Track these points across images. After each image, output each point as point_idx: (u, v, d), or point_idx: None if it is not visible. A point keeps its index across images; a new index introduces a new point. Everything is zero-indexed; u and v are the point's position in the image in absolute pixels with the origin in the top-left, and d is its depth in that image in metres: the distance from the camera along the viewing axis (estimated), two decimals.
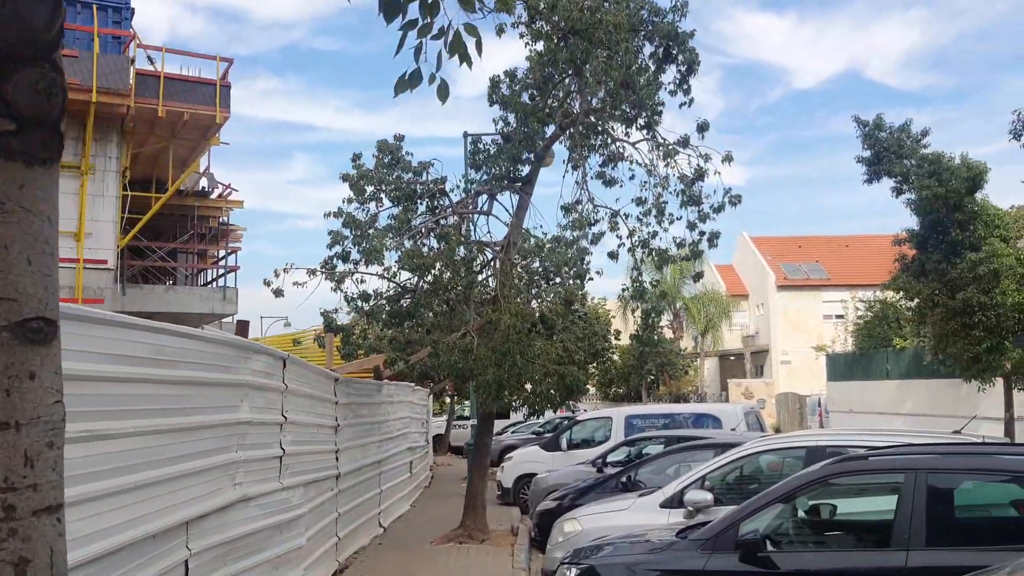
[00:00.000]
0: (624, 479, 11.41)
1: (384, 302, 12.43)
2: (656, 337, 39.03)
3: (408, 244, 12.13)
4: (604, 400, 45.94)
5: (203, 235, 26.63)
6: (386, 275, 12.49)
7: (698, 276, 13.70)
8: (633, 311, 11.73)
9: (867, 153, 19.72)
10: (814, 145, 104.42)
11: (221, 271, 26.01)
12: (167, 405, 5.75)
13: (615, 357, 37.07)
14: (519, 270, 13.58)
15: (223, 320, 26.67)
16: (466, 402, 34.00)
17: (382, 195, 13.08)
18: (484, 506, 12.86)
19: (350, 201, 12.98)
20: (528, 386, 12.69)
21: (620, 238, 12.07)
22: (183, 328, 5.95)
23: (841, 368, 31.86)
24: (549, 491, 14.26)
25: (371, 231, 12.13)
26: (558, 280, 19.47)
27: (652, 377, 41.97)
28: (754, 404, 20.62)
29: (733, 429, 15.32)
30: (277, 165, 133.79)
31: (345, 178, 13.04)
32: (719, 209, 11.40)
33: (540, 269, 16.71)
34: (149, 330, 5.50)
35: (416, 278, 12.58)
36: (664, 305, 12.57)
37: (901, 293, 20.29)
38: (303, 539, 8.90)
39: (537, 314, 13.44)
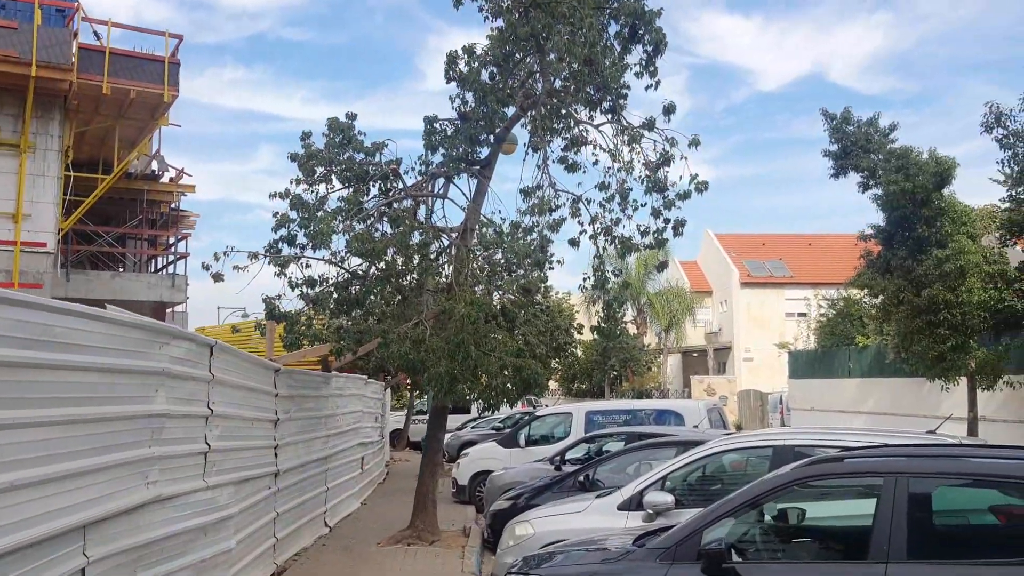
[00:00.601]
0: (582, 478, 10.84)
1: (331, 289, 11.73)
2: (618, 330, 38.54)
3: (358, 228, 11.44)
4: (567, 396, 45.47)
5: (154, 221, 25.70)
6: (334, 260, 11.81)
7: (662, 266, 13.24)
8: (594, 302, 11.08)
9: (834, 147, 19.34)
10: (778, 146, 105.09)
11: (172, 258, 25.09)
12: (61, 394, 5.06)
13: (578, 352, 36.62)
14: (480, 261, 13.00)
15: (176, 310, 25.78)
16: (425, 397, 33.42)
17: (332, 176, 12.38)
18: (435, 505, 12.24)
19: (298, 182, 12.27)
20: (484, 379, 12.06)
21: (582, 225, 11.51)
22: (80, 307, 5.25)
23: (803, 366, 31.65)
24: (504, 489, 13.70)
25: (319, 214, 11.42)
26: (520, 272, 18.97)
27: (615, 373, 41.57)
28: (716, 401, 20.20)
29: (696, 426, 14.85)
30: (243, 155, 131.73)
31: (293, 158, 12.32)
32: (685, 196, 10.86)
33: (502, 260, 16.21)
34: (36, 308, 4.80)
35: (366, 264, 11.91)
36: (627, 296, 11.98)
37: (866, 290, 19.94)
38: (232, 542, 8.23)
39: (498, 306, 12.84)
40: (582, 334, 37.21)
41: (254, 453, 9.28)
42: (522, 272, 18.92)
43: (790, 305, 47.17)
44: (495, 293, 13.73)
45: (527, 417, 18.58)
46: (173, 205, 25.67)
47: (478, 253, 13.18)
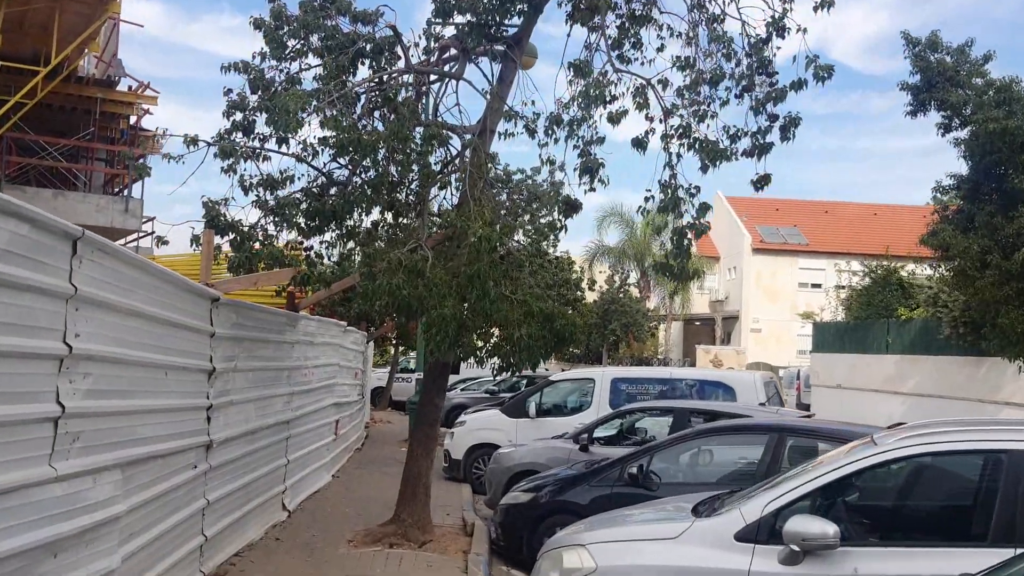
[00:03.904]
0: (634, 469, 7.86)
1: (300, 196, 8.58)
2: (683, 268, 33.02)
3: (339, 116, 8.24)
4: (560, 361, 42.61)
5: (113, 138, 22.33)
6: (304, 157, 8.65)
7: (704, 209, 8.95)
8: (660, 230, 7.92)
9: (916, 78, 16.26)
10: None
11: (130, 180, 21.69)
12: None
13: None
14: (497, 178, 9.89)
15: (138, 244, 22.48)
16: (412, 354, 30.33)
17: (308, 52, 9.20)
18: (428, 494, 9.23)
19: (264, 58, 9.10)
20: (496, 331, 8.94)
21: (651, 120, 8.29)
22: None
23: (830, 338, 28.69)
24: (515, 473, 10.78)
25: (287, 93, 8.23)
26: (527, 217, 16.05)
27: (615, 337, 38.65)
28: (771, 375, 17.24)
29: (763, 404, 11.86)
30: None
31: (258, 25, 9.11)
32: (799, 86, 7.73)
33: (507, 203, 13.22)
34: None
35: (349, 165, 8.78)
36: (707, 225, 8.78)
37: (938, 251, 16.92)
38: (116, 557, 5.21)
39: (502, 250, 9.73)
40: (594, 290, 34.22)
41: (168, 417, 6.23)
42: (528, 218, 15.92)
43: (804, 275, 44.37)
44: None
45: (539, 381, 15.56)
46: (133, 119, 22.30)
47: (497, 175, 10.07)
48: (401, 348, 30.79)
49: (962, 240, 15.80)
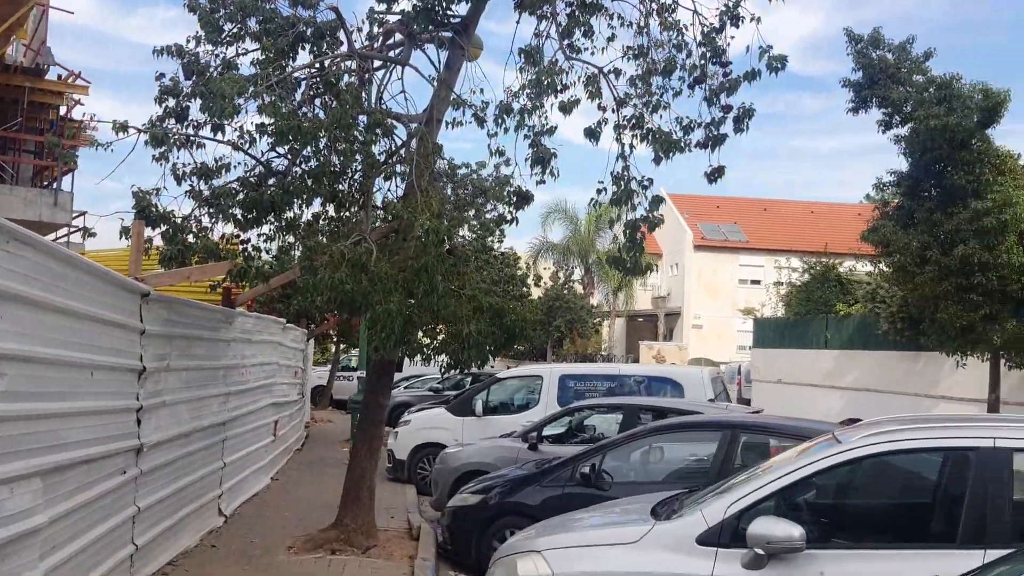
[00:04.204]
0: (586, 469, 7.65)
1: (237, 185, 8.17)
2: (636, 262, 33.87)
3: (278, 103, 7.86)
4: (505, 358, 42.42)
5: (41, 130, 21.38)
6: (241, 145, 8.25)
7: (656, 202, 8.68)
8: (612, 222, 7.70)
9: (858, 75, 16.35)
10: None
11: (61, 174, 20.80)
12: None
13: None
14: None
15: (69, 239, 21.56)
16: (353, 352, 29.78)
17: (246, 36, 8.79)
18: (372, 497, 8.89)
19: (198, 41, 8.66)
20: (443, 328, 8.65)
21: (603, 110, 8.06)
22: None
23: (770, 334, 28.98)
24: (463, 473, 10.51)
25: (223, 77, 7.82)
26: (472, 212, 15.81)
27: (559, 334, 38.59)
28: (719, 370, 17.23)
29: (712, 399, 11.77)
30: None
31: (192, 7, 8.67)
32: (752, 76, 7.59)
33: (452, 197, 12.96)
34: None
35: (289, 154, 8.41)
36: (660, 218, 8.61)
37: (879, 248, 17.08)
38: (37, 571, 4.82)
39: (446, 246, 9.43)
40: (540, 286, 34.07)
41: (95, 421, 5.83)
42: (473, 213, 15.72)
43: (744, 272, 44.83)
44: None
45: (485, 379, 15.29)
46: (63, 110, 21.43)
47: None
48: (343, 346, 30.26)
49: (902, 236, 15.95)
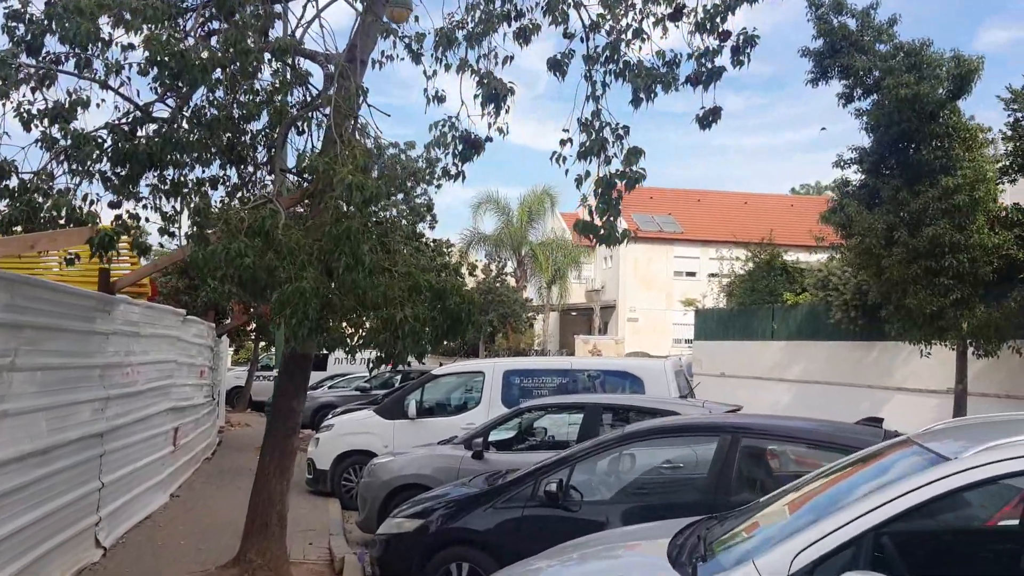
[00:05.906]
0: (552, 487, 6.09)
1: (104, 132, 6.39)
2: (611, 228, 32.21)
3: (158, 30, 6.11)
4: (436, 355, 40.74)
5: None
6: (110, 84, 6.47)
7: (635, 153, 7.16)
8: (580, 181, 6.13)
9: (818, 43, 15.19)
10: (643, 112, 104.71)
11: None
12: None
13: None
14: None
15: None
16: (273, 349, 27.78)
17: None
18: (283, 524, 7.19)
19: None
20: (369, 315, 6.98)
21: (570, 38, 6.48)
22: None
23: (713, 326, 27.98)
24: (395, 488, 8.90)
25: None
26: (400, 196, 14.29)
27: (491, 328, 37.10)
28: (682, 361, 15.88)
29: (685, 396, 10.36)
30: None
31: None
32: None
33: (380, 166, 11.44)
34: None
35: (173, 95, 6.65)
36: (642, 173, 7.29)
37: (841, 230, 15.98)
38: None
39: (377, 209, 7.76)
40: (474, 275, 32.46)
41: None
42: (402, 196, 14.32)
43: (680, 263, 43.98)
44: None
45: (420, 376, 13.63)
46: None
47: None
48: (262, 343, 28.23)
49: (867, 217, 14.85)
